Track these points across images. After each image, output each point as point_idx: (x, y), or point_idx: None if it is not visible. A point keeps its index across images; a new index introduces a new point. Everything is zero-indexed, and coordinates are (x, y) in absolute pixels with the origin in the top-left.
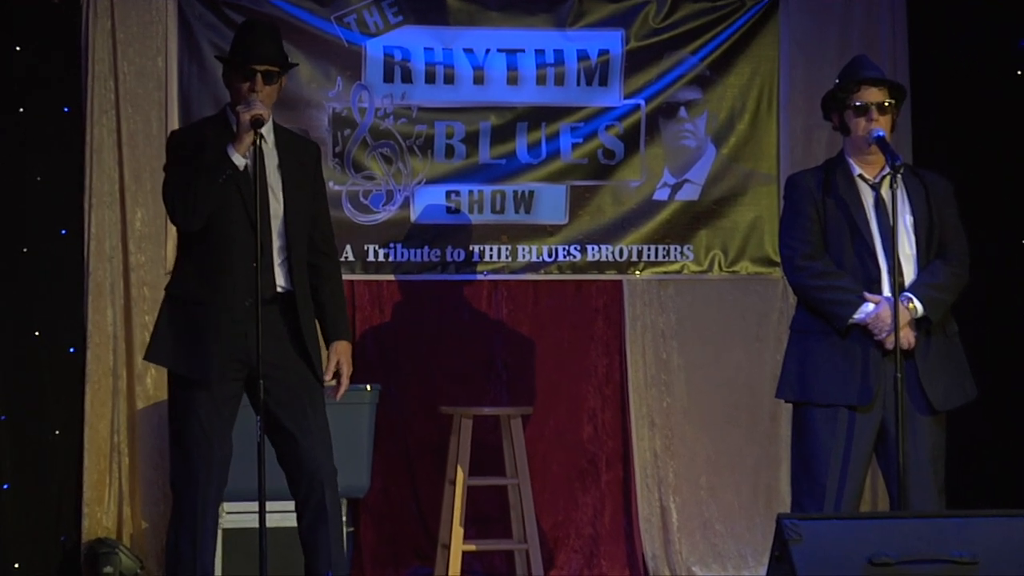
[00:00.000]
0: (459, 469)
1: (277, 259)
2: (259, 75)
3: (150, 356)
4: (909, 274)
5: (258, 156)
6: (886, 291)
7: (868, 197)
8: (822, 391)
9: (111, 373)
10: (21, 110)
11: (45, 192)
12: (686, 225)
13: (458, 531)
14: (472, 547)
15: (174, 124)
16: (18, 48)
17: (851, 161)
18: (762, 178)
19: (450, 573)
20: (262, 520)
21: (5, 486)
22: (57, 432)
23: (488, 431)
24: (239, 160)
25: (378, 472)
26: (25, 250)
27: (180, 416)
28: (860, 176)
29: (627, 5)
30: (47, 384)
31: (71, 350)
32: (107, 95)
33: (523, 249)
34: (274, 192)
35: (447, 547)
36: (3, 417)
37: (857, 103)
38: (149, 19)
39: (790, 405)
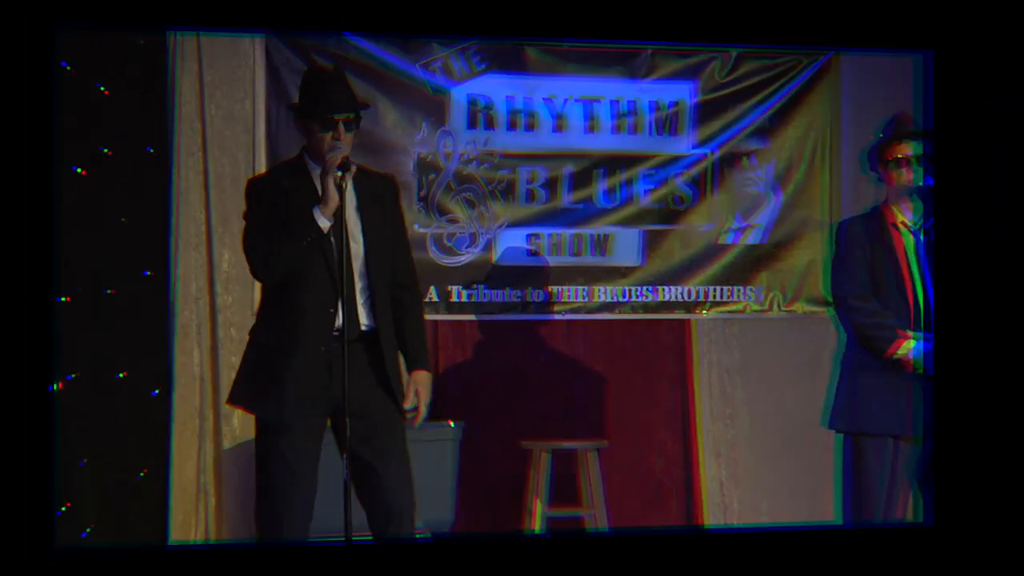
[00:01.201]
0: (536, 501)
1: (360, 298)
2: (340, 124)
3: (231, 399)
4: None
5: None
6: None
7: (907, 243)
8: (873, 422)
9: (197, 415)
10: (105, 151)
11: (128, 234)
12: (748, 267)
13: None
14: None
15: (262, 167)
16: (102, 88)
17: (893, 209)
18: (815, 223)
19: None
20: None
21: (82, 535)
22: (142, 474)
23: (564, 463)
24: (324, 223)
25: (460, 506)
26: (108, 291)
27: (265, 455)
28: (902, 223)
29: (694, 61)
30: (129, 427)
31: (154, 393)
32: (194, 137)
33: (600, 290)
34: (354, 236)
35: None
36: (80, 464)
37: (897, 156)
38: (236, 63)
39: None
